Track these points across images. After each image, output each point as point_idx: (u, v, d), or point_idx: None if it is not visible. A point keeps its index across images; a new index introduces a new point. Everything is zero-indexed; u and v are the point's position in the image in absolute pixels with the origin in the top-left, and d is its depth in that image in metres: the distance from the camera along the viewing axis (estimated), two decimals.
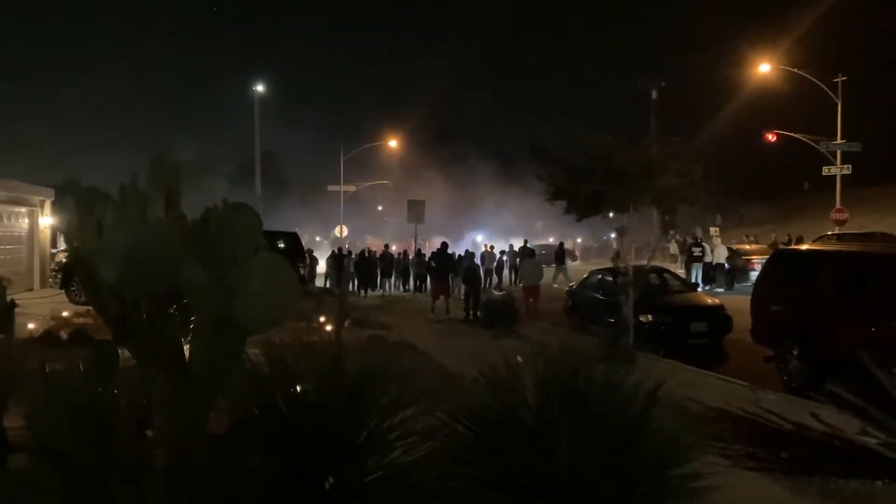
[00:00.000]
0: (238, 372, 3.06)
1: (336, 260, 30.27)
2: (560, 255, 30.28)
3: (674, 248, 38.10)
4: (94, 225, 2.97)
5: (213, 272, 2.57)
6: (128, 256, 2.59)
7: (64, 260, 22.85)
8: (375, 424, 3.36)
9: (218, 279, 2.55)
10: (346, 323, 14.04)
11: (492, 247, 32.85)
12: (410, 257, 31.78)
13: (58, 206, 24.89)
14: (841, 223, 29.81)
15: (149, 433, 3.15)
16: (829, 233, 29.26)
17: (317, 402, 3.45)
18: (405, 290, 30.66)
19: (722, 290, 24.41)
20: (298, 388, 3.61)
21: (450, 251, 22.73)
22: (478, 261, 26.31)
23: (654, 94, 42.55)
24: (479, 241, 42.56)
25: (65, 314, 14.59)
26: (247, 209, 2.73)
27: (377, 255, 31.37)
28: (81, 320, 13.44)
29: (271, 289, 2.60)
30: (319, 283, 30.29)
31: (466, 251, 27.39)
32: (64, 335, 11.56)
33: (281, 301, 2.66)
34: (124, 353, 3.09)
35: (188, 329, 2.92)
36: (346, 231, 44.71)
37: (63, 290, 19.78)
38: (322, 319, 12.59)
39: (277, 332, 3.40)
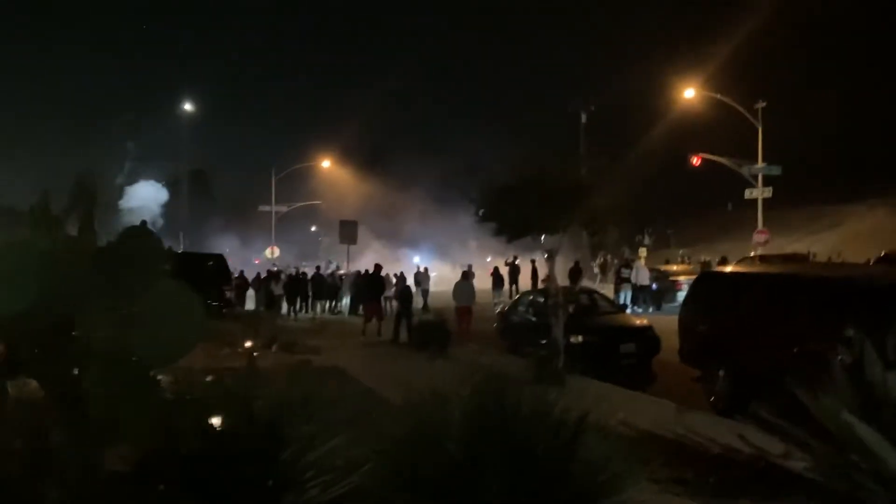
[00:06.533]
0: (141, 406, 2.84)
1: (263, 282, 29.77)
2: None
3: (597, 268, 37.47)
4: None
5: (109, 302, 2.36)
6: (12, 283, 2.36)
7: None
8: (291, 461, 3.17)
9: (113, 309, 2.35)
10: (274, 347, 13.69)
11: (426, 268, 32.56)
12: (342, 278, 31.47)
13: None
14: (762, 244, 30.70)
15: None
16: (752, 254, 30.11)
17: (229, 437, 3.24)
18: (335, 313, 30.20)
19: (643, 310, 24.37)
20: (212, 421, 3.39)
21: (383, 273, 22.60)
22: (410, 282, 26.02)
23: (583, 118, 43.26)
24: (416, 262, 42.38)
25: None
26: (147, 235, 2.52)
27: (308, 277, 30.87)
28: None
29: (171, 321, 2.40)
30: (250, 305, 29.63)
31: (401, 273, 27.29)
32: None
33: (182, 334, 2.47)
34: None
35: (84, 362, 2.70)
36: (277, 252, 43.99)
37: None
38: (248, 344, 12.23)
39: (195, 359, 3.19)
